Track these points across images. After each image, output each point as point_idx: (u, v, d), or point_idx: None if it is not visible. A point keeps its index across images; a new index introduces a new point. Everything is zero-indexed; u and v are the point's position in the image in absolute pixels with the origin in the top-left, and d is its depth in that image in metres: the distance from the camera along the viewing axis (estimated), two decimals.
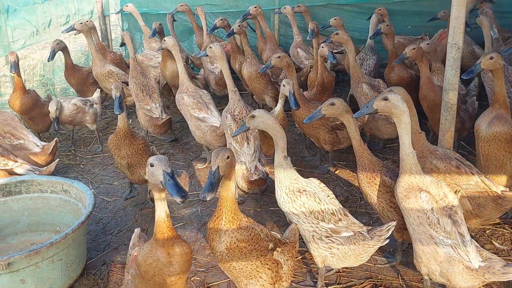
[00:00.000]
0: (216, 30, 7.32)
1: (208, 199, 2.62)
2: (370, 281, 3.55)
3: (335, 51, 6.75)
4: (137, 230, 3.20)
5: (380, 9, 7.02)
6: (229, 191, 2.79)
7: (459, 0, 3.88)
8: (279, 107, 4.93)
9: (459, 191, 3.56)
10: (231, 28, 6.26)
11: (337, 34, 5.36)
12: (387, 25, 5.84)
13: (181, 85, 5.36)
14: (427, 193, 3.08)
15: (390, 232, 3.25)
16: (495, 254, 3.70)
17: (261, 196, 4.78)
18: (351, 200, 4.68)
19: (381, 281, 3.54)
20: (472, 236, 3.96)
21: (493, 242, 3.91)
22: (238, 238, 2.79)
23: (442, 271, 3.06)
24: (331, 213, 3.23)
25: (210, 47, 4.85)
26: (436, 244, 3.04)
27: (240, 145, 4.52)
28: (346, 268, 3.68)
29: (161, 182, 2.55)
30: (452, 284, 3.06)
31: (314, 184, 3.35)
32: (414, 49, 4.96)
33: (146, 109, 5.69)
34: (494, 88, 3.97)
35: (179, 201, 2.49)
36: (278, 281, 3.08)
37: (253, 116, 3.36)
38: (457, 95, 4.21)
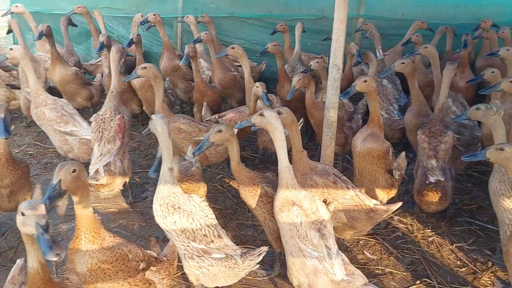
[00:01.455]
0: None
1: (43, 213, 2.31)
2: None
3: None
4: (19, 262, 2.82)
5: (282, 25, 7.24)
6: (87, 208, 2.67)
7: (339, 24, 4.15)
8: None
9: (332, 202, 3.75)
10: (131, 38, 6.10)
11: (232, 48, 5.45)
12: (274, 45, 5.98)
13: (36, 97, 4.87)
14: (299, 207, 3.21)
15: (261, 257, 3.35)
16: (366, 264, 4.01)
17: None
18: (240, 212, 4.76)
19: None
20: (346, 247, 4.23)
21: (365, 252, 4.18)
22: (100, 259, 2.69)
23: (310, 283, 3.20)
24: (203, 234, 3.20)
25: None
26: (304, 257, 3.18)
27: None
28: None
29: (33, 234, 2.26)
30: None
31: (194, 202, 3.30)
32: (299, 80, 5.02)
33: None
34: (370, 108, 4.26)
35: (53, 259, 2.21)
36: None
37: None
38: (338, 112, 4.48)
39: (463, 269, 3.97)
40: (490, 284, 3.77)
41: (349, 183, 3.93)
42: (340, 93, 4.35)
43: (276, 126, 3.29)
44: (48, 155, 5.83)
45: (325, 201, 3.78)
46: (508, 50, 5.07)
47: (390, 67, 5.16)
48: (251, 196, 3.67)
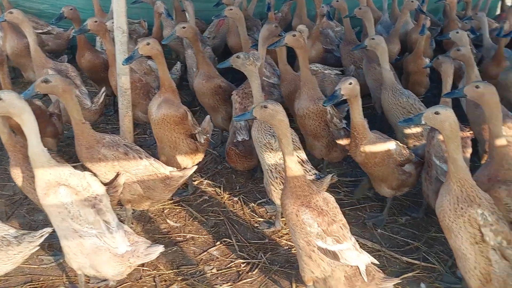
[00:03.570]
0: None
1: None
2: (30, 285, 3.28)
3: None
4: None
5: None
6: None
7: None
8: None
9: (122, 174, 3.53)
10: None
11: (10, 12, 4.83)
12: (71, 9, 5.49)
13: None
14: (66, 186, 2.93)
15: (43, 238, 3.07)
16: (168, 232, 3.93)
17: None
18: None
19: (43, 283, 3.31)
20: (149, 218, 4.10)
21: (168, 220, 4.09)
22: None
23: (91, 263, 2.99)
24: None
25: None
26: (81, 237, 2.94)
27: None
28: (2, 276, 3.32)
29: None
30: (102, 274, 3.04)
31: None
32: None
33: None
34: (159, 73, 4.06)
35: None
36: None
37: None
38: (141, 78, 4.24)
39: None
40: (286, 234, 3.97)
41: (142, 153, 3.76)
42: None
43: (20, 107, 2.84)
44: None
45: (118, 174, 3.57)
46: (457, 33, 4.96)
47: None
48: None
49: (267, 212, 4.28)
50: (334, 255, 2.95)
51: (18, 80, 6.53)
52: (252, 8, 7.71)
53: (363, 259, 3.00)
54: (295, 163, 3.04)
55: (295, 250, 3.76)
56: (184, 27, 4.59)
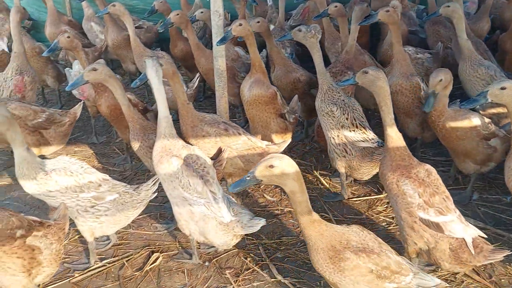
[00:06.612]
0: None
1: None
2: (147, 248, 3.58)
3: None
4: None
5: None
6: None
7: None
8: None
9: (226, 149, 3.74)
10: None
11: (113, 5, 5.21)
12: (161, 2, 5.78)
13: None
14: (177, 157, 3.17)
15: (157, 185, 3.40)
16: (266, 206, 4.09)
17: None
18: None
19: (158, 247, 3.59)
20: (247, 192, 4.28)
21: (265, 195, 4.25)
22: None
23: (201, 230, 3.21)
24: (89, 181, 3.20)
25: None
26: (191, 205, 3.17)
27: None
28: (124, 240, 3.66)
29: None
30: (209, 240, 3.25)
31: (63, 160, 3.26)
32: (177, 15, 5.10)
33: None
34: (250, 55, 4.21)
35: None
36: (36, 267, 2.88)
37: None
38: (229, 63, 4.43)
39: (359, 201, 4.16)
40: (383, 211, 3.98)
41: (240, 129, 3.94)
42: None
43: (153, 76, 3.20)
44: None
45: (220, 149, 3.80)
46: (448, 6, 4.59)
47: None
48: (139, 147, 3.74)
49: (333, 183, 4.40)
50: (437, 227, 2.92)
51: (115, 71, 7.03)
52: None
53: (470, 232, 2.94)
54: (395, 132, 3.05)
55: (394, 225, 3.78)
56: (258, 22, 4.52)
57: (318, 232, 2.51)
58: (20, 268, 2.79)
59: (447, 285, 2.62)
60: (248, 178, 2.45)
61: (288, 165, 2.42)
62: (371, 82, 3.07)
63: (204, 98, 6.28)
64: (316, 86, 4.87)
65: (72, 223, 3.33)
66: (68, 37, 4.22)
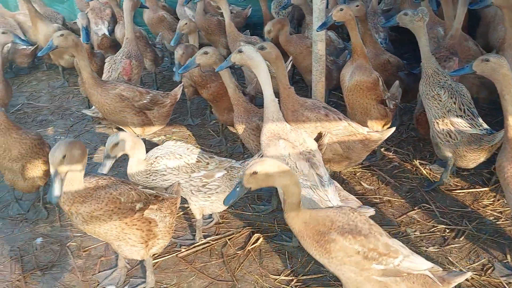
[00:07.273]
0: None
1: None
2: (248, 229, 3.66)
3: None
4: None
5: None
6: None
7: None
8: None
9: (326, 134, 3.71)
10: None
11: None
12: None
13: None
14: (285, 140, 3.18)
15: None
16: (364, 194, 4.02)
17: None
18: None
19: (258, 228, 3.66)
20: (343, 180, 4.23)
21: (362, 183, 4.18)
22: (90, 210, 2.73)
23: None
24: (197, 161, 3.33)
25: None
26: None
27: None
28: (225, 219, 3.76)
29: None
30: None
31: (167, 146, 3.42)
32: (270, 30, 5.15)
33: None
34: (351, 40, 4.12)
35: None
36: (152, 239, 3.04)
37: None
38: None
39: (462, 193, 3.97)
40: (490, 204, 3.78)
41: (341, 114, 3.87)
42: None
43: (258, 61, 3.19)
44: (43, 112, 5.87)
45: (320, 134, 3.77)
46: None
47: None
48: (244, 130, 3.79)
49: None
50: None
51: None
52: None
53: None
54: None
55: (503, 220, 3.57)
56: (357, 6, 4.38)
57: (301, 221, 2.48)
58: (139, 239, 2.96)
59: (439, 268, 2.46)
60: (238, 189, 2.46)
61: (270, 167, 2.39)
62: (493, 70, 2.89)
63: (292, 83, 6.26)
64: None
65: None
66: (62, 35, 3.99)
